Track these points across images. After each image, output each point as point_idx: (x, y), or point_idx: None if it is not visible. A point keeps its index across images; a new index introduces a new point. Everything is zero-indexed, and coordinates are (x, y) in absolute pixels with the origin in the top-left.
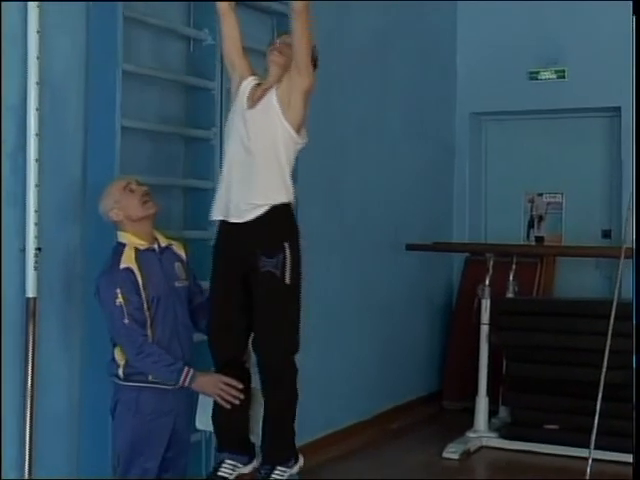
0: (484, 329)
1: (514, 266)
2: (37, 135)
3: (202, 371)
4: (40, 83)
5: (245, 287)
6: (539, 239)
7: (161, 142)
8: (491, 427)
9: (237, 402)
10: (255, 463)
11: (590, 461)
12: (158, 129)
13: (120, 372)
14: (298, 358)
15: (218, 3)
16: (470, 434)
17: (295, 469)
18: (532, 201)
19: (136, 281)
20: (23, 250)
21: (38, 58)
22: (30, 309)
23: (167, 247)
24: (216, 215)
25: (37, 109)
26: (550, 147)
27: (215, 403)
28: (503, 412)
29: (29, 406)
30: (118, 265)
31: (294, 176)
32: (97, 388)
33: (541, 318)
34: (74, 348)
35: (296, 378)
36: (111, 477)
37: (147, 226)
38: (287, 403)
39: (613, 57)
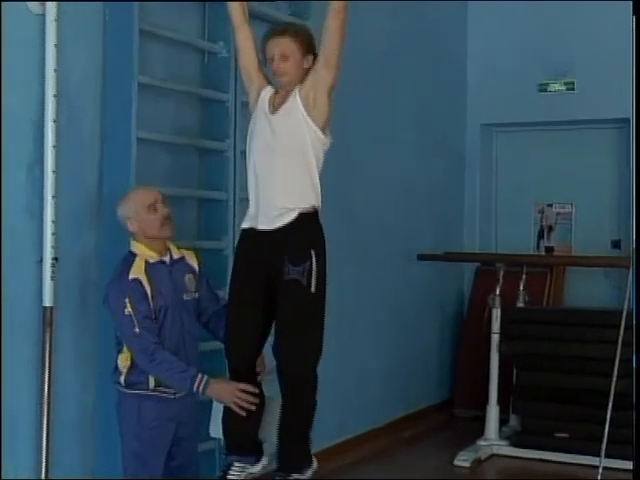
0: (495, 338)
1: (524, 276)
2: (54, 147)
3: (215, 377)
4: (57, 95)
5: (268, 294)
6: (549, 249)
7: (176, 153)
8: (502, 435)
9: (253, 408)
10: (264, 461)
11: (600, 469)
12: (173, 140)
13: (122, 380)
14: None
15: (232, 16)
16: (481, 442)
17: (308, 474)
18: (542, 211)
19: (144, 291)
20: (40, 261)
21: (56, 71)
22: (47, 318)
23: (179, 259)
24: (246, 224)
25: (54, 121)
26: (560, 158)
27: (226, 407)
28: (514, 420)
29: (46, 412)
30: (127, 275)
31: (320, 177)
32: (111, 394)
33: (551, 327)
34: (89, 355)
35: (317, 388)
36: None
37: (161, 242)
38: (306, 411)
39: (621, 69)
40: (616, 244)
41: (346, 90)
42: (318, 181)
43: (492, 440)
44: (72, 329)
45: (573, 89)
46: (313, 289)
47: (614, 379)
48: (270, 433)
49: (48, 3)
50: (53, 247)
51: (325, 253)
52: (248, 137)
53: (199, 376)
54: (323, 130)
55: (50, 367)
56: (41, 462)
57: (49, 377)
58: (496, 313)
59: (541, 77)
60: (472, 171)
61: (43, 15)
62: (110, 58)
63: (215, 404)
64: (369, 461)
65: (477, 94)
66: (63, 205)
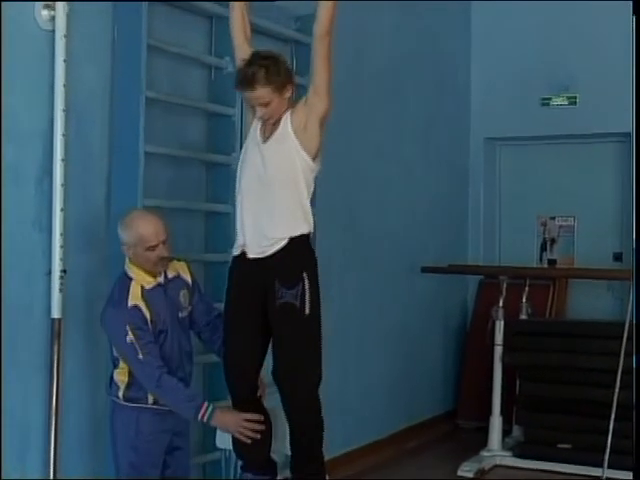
0: (498, 350)
1: (527, 288)
2: (63, 160)
3: (220, 407)
4: (66, 110)
5: (263, 318)
6: (552, 262)
7: (183, 167)
8: (505, 446)
9: (259, 437)
10: (280, 477)
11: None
12: (180, 154)
13: (120, 394)
14: None
15: (233, 36)
16: (484, 453)
17: None
18: (545, 224)
19: (144, 317)
20: (49, 274)
21: (65, 86)
22: (55, 329)
23: (174, 277)
24: (235, 251)
25: (63, 135)
26: (562, 172)
27: None
28: (517, 431)
29: (54, 421)
30: (126, 302)
31: (312, 201)
32: None
33: (554, 339)
34: (96, 365)
35: (320, 408)
36: None
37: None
38: (313, 434)
39: (623, 84)
40: (618, 257)
41: (352, 105)
42: (309, 208)
43: (495, 451)
44: (80, 340)
45: (575, 103)
46: (307, 311)
47: (616, 390)
48: (284, 442)
49: (58, 20)
50: (61, 259)
51: (317, 275)
52: (239, 166)
53: (204, 405)
54: (314, 158)
55: (58, 377)
56: (49, 470)
57: (57, 387)
58: (499, 325)
59: (544, 92)
60: (476, 184)
61: (53, 31)
62: (118, 73)
63: None
64: (374, 472)
65: (480, 109)
66: (72, 218)
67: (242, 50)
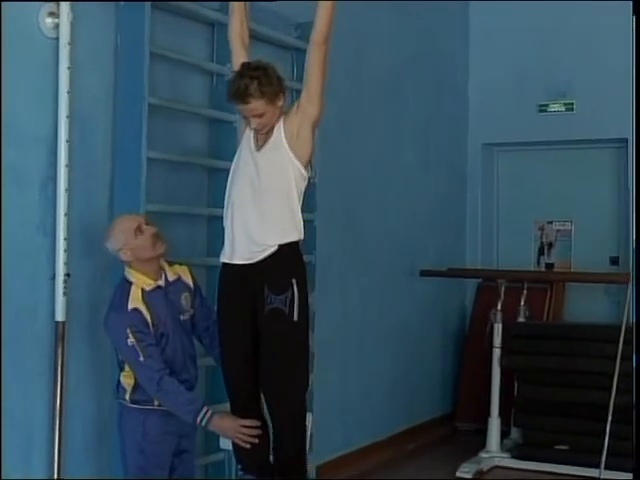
0: (496, 352)
1: (525, 291)
2: (67, 166)
3: (219, 412)
4: (70, 116)
5: (253, 323)
6: (549, 265)
7: (185, 172)
8: (503, 448)
9: (256, 441)
10: None
11: None
12: (182, 160)
13: (127, 397)
14: (318, 382)
15: (231, 43)
16: (483, 454)
17: None
18: (542, 229)
19: (145, 320)
20: (53, 278)
21: (68, 92)
22: (59, 332)
23: (175, 280)
24: (223, 258)
25: (67, 141)
26: (559, 177)
27: None
28: (515, 433)
29: (58, 424)
30: (126, 305)
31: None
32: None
33: (551, 342)
34: (100, 368)
35: (304, 416)
36: None
37: (155, 263)
38: (297, 438)
39: (620, 90)
40: (615, 261)
41: (351, 107)
42: (300, 216)
43: (494, 452)
44: (83, 343)
45: (572, 110)
46: (295, 318)
47: (613, 392)
48: None
49: (62, 27)
50: (65, 263)
51: (306, 283)
52: (231, 171)
53: (203, 410)
54: (306, 166)
55: (62, 380)
56: (53, 473)
57: (61, 389)
58: (497, 328)
59: (541, 98)
60: (474, 189)
61: (56, 39)
62: (121, 80)
63: None
64: (373, 473)
65: (478, 115)
66: (75, 222)
67: (239, 57)
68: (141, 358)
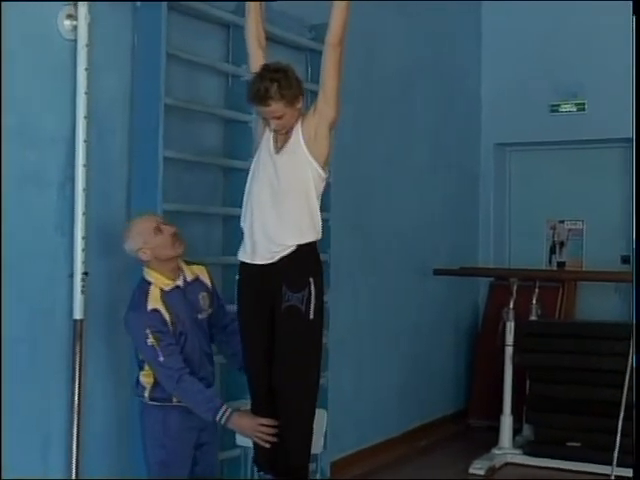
0: (508, 350)
1: (537, 290)
2: (85, 166)
3: (238, 410)
4: (88, 117)
5: (272, 322)
6: (561, 264)
7: (201, 172)
8: (515, 444)
9: (275, 440)
10: None
11: (612, 478)
12: (198, 160)
13: (146, 394)
14: (332, 379)
15: (248, 43)
16: (495, 451)
17: None
18: (554, 228)
19: (164, 320)
20: (71, 276)
21: (86, 93)
22: (77, 330)
23: (193, 280)
24: (242, 257)
25: (85, 141)
26: (571, 176)
27: None
28: (527, 430)
29: (76, 421)
30: (145, 305)
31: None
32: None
33: (563, 340)
34: (118, 366)
35: (313, 415)
36: None
37: (174, 263)
38: (304, 437)
39: (630, 90)
40: (626, 259)
41: (363, 108)
42: (319, 216)
43: (506, 449)
44: (101, 341)
45: (583, 110)
46: (311, 316)
47: (625, 390)
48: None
49: (80, 29)
50: (83, 262)
51: (323, 282)
52: (251, 172)
53: (222, 408)
54: (323, 167)
55: (80, 378)
56: (71, 470)
57: (79, 387)
58: (510, 326)
59: (552, 98)
60: (486, 189)
61: (75, 41)
62: (138, 81)
63: None
64: (386, 470)
65: (491, 115)
66: (93, 222)
67: (256, 58)
68: (161, 358)
